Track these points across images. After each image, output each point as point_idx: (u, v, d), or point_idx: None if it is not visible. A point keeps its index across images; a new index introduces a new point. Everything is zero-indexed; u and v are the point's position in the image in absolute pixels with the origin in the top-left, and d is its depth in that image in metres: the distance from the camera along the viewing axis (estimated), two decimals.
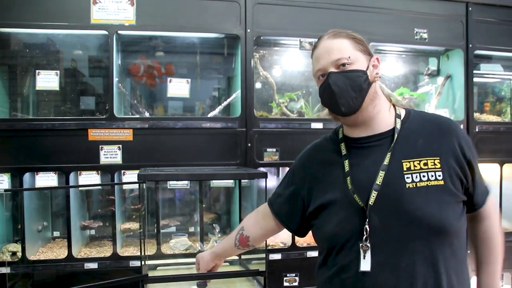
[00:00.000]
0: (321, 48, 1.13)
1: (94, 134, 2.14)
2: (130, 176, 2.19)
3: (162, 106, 2.69)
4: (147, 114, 2.50)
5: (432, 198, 1.04)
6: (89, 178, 2.18)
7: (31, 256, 2.10)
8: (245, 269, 1.98)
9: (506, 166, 2.65)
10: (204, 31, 2.32)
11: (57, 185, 2.20)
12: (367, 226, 1.04)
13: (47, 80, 2.19)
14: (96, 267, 2.11)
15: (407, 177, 1.05)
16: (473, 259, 1.19)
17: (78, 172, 2.16)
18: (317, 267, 1.20)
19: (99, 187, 2.45)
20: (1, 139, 2.08)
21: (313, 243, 2.32)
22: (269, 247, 2.33)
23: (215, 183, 2.48)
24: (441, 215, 1.03)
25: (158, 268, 1.99)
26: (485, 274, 1.17)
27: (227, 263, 2.04)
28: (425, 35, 2.55)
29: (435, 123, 1.13)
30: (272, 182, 2.45)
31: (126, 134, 2.17)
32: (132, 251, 2.28)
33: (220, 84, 2.81)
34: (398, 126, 1.12)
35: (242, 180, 2.29)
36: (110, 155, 2.15)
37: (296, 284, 2.32)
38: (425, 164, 1.06)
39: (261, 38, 2.39)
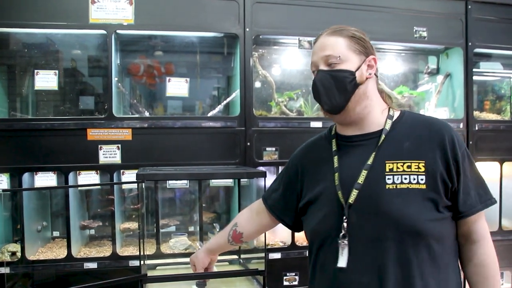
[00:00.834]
0: (318, 43, 1.15)
1: (93, 134, 2.14)
2: (129, 175, 2.19)
3: (162, 105, 2.69)
4: (147, 114, 2.50)
5: (411, 201, 1.03)
6: (88, 178, 2.17)
7: (31, 256, 2.09)
8: (244, 268, 1.98)
9: (506, 165, 2.64)
10: (203, 30, 2.32)
11: (56, 185, 2.20)
12: (345, 224, 1.06)
13: (46, 80, 2.18)
14: (96, 267, 2.11)
15: (388, 178, 1.06)
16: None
17: (77, 172, 2.16)
18: (308, 263, 1.22)
19: (98, 186, 2.44)
20: (0, 139, 2.08)
21: None
22: (269, 246, 2.33)
23: (214, 182, 2.48)
24: (418, 218, 1.02)
25: (157, 267, 1.99)
26: None
27: (227, 263, 2.04)
28: (425, 34, 2.55)
29: (426, 126, 1.12)
30: (271, 181, 2.44)
31: (125, 134, 2.17)
32: (132, 250, 2.27)
33: (220, 83, 2.81)
34: (388, 127, 1.12)
35: (242, 179, 2.29)
36: (109, 155, 2.15)
37: (296, 283, 2.32)
38: (409, 167, 1.06)
39: (260, 37, 2.38)
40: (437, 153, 1.07)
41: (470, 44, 2.62)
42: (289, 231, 2.22)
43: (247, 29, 2.30)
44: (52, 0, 2.11)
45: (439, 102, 2.79)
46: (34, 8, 2.10)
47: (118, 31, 2.21)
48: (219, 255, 1.56)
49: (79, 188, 2.29)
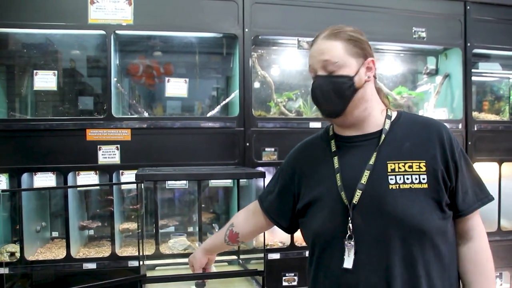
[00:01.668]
0: (315, 46, 1.14)
1: (92, 134, 2.14)
2: (129, 176, 2.19)
3: (161, 106, 2.69)
4: (146, 114, 2.50)
5: (414, 200, 1.04)
6: (87, 178, 2.17)
7: (30, 257, 2.09)
8: (243, 269, 1.98)
9: (504, 165, 2.64)
10: (202, 30, 2.32)
11: (55, 185, 2.20)
12: (350, 225, 1.06)
13: (45, 80, 2.18)
14: (95, 267, 2.11)
15: (391, 178, 1.06)
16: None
17: (76, 172, 2.16)
18: (307, 265, 1.21)
19: (98, 187, 2.44)
20: None
21: None
22: (268, 247, 2.33)
23: (213, 182, 2.48)
24: (423, 217, 1.03)
25: (156, 268, 1.98)
26: None
27: (226, 263, 2.04)
28: (424, 34, 2.55)
29: (424, 126, 1.13)
30: None
31: (124, 134, 2.17)
32: (131, 251, 2.27)
33: (219, 83, 2.81)
34: (387, 127, 1.12)
35: (241, 180, 2.29)
36: (108, 155, 2.15)
37: (295, 283, 2.32)
38: (410, 167, 1.07)
39: (259, 37, 2.38)
40: (436, 153, 1.08)
41: (469, 44, 2.63)
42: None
43: (246, 30, 2.30)
44: (51, 0, 2.11)
45: (438, 103, 2.79)
46: (33, 8, 2.10)
47: (117, 32, 2.21)
48: (218, 255, 1.57)
49: (78, 188, 2.29)
